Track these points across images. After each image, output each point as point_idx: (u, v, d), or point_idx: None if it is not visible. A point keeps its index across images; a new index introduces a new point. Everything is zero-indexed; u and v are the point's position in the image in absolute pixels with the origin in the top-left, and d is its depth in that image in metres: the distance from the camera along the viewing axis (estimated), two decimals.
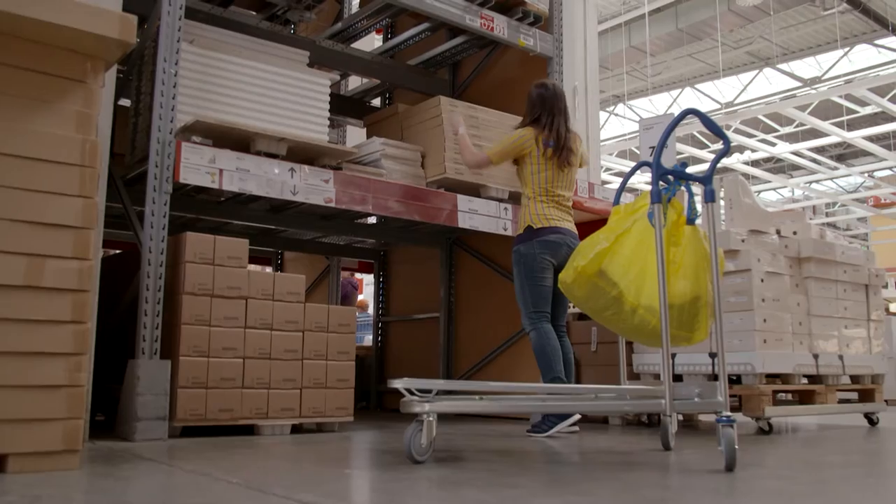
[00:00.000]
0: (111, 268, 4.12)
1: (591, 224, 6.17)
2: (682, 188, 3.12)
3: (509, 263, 5.60)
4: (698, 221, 3.08)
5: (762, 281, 4.45)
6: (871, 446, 3.87)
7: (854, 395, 5.17)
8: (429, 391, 2.85)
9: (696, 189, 3.16)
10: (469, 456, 3.11)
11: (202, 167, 3.70)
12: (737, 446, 2.63)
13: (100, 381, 3.64)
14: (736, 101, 18.18)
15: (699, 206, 3.04)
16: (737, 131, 17.39)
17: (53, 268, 2.41)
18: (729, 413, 2.72)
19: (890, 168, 20.20)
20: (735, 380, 4.37)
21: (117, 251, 5.65)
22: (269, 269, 7.17)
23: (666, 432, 3.30)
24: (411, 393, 2.82)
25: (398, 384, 2.80)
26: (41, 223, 2.41)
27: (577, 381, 4.89)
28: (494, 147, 4.26)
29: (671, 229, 3.03)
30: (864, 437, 4.31)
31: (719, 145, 18.71)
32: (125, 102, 4.41)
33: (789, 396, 5.23)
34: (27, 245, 2.38)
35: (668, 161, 4.40)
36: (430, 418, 2.79)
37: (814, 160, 18.97)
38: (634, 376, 4.86)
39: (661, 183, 2.98)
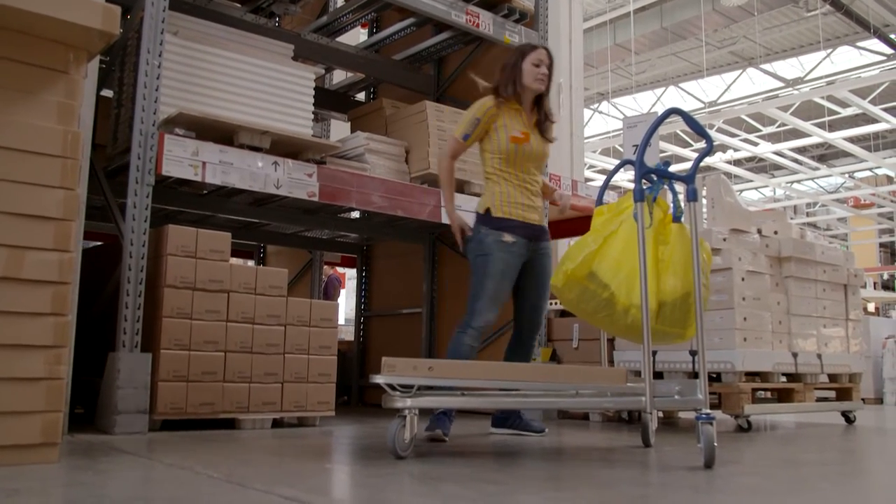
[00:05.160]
0: (92, 260, 4.09)
1: (573, 221, 6.21)
2: (666, 187, 3.14)
3: None
4: (684, 219, 3.10)
5: (743, 280, 4.48)
6: (848, 444, 3.91)
7: (832, 394, 5.23)
8: (410, 387, 2.85)
9: (679, 187, 3.18)
10: (451, 451, 3.12)
11: (185, 159, 3.68)
12: (716, 443, 2.65)
13: (80, 373, 3.61)
14: (719, 101, 18.29)
15: (682, 205, 3.06)
16: (720, 130, 17.49)
17: (33, 259, 2.39)
18: (709, 410, 2.74)
19: (870, 169, 20.39)
20: (715, 377, 4.41)
21: (98, 243, 5.61)
22: (251, 263, 7.14)
23: (646, 429, 3.33)
24: (393, 388, 2.82)
25: (379, 379, 2.80)
26: (21, 214, 2.38)
27: None
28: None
29: (658, 227, 3.04)
30: (840, 435, 4.36)
31: (702, 144, 18.76)
32: (108, 93, 4.37)
33: (768, 394, 5.28)
34: (7, 236, 2.35)
35: (650, 160, 4.42)
36: (413, 414, 2.79)
37: (795, 160, 19.12)
38: None
39: (643, 182, 3.00)
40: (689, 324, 3.05)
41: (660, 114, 3.08)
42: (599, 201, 3.46)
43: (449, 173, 3.75)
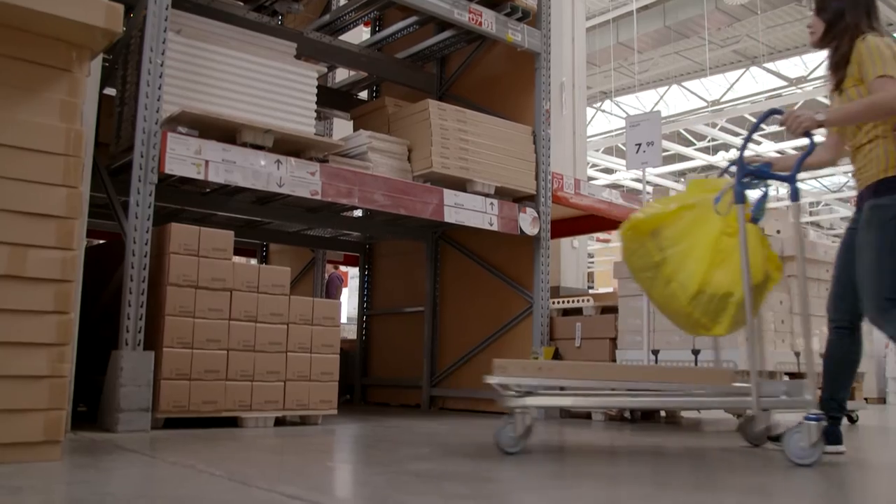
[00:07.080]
0: (95, 258, 4.09)
1: (576, 220, 6.21)
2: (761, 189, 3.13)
3: (495, 258, 5.62)
4: (789, 219, 3.08)
5: None
6: (850, 444, 3.90)
7: None
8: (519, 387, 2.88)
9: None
10: (452, 451, 3.12)
11: (188, 158, 3.68)
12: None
13: (83, 371, 3.62)
14: (722, 100, 18.25)
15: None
16: (722, 129, 17.46)
17: (36, 257, 2.39)
18: (817, 411, 2.74)
19: None
20: None
21: (101, 241, 5.62)
22: (253, 261, 7.15)
23: (750, 429, 3.35)
24: (506, 389, 2.85)
25: (492, 380, 2.84)
26: (24, 212, 2.39)
27: None
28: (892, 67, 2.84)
29: (729, 220, 3.02)
30: (843, 434, 4.34)
31: (706, 143, 18.81)
32: (110, 91, 4.38)
33: None
34: (10, 234, 2.36)
35: (652, 159, 4.42)
36: (524, 412, 2.85)
37: None
38: None
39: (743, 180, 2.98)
40: (719, 321, 3.02)
41: (762, 113, 3.08)
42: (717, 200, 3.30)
43: None
